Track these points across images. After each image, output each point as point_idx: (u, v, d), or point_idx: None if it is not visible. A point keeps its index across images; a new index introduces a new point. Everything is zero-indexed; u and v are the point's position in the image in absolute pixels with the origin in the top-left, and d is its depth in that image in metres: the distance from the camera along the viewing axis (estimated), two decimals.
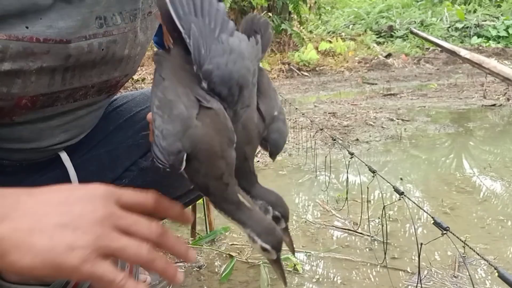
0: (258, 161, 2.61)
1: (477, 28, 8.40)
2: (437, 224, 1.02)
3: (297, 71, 7.16)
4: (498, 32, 8.23)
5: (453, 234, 0.99)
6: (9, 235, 0.53)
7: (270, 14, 7.02)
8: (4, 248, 0.52)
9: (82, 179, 0.97)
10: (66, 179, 0.95)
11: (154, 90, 0.65)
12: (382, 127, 3.46)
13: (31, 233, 0.54)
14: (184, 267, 1.43)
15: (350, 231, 1.69)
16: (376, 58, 7.41)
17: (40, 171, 0.96)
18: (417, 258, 1.25)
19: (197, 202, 1.62)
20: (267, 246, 0.63)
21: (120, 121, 1.04)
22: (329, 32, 8.70)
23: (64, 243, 0.54)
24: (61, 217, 0.56)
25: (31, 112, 0.82)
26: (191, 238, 1.62)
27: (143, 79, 5.88)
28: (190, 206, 1.61)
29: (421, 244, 1.05)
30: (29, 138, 0.87)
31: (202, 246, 1.55)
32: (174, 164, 0.60)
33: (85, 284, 1.11)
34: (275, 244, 0.64)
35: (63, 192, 0.60)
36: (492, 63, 3.11)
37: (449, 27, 8.57)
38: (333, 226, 1.75)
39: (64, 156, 0.95)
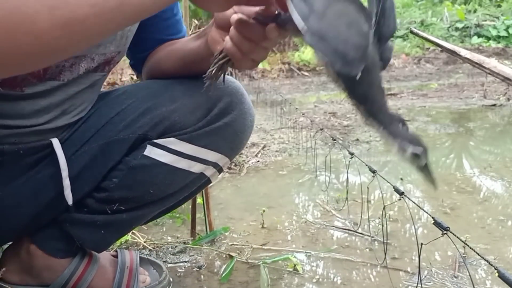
0: (258, 161, 2.61)
1: (477, 28, 8.40)
2: (437, 224, 1.01)
3: (297, 71, 7.16)
4: (498, 32, 8.23)
5: (454, 234, 0.99)
6: None
7: None
8: None
9: (74, 174, 0.99)
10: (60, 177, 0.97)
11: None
12: None
13: None
14: (184, 267, 1.43)
15: (350, 231, 1.69)
16: None
17: (33, 167, 0.99)
18: (417, 258, 1.25)
19: (197, 202, 1.62)
20: (419, 151, 0.66)
21: (112, 115, 1.04)
22: None
23: None
24: None
25: (39, 83, 0.90)
26: (191, 238, 1.61)
27: None
28: (190, 207, 1.61)
29: (422, 244, 1.05)
30: (29, 114, 0.93)
31: (202, 246, 1.55)
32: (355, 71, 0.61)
33: (84, 284, 1.11)
34: (425, 148, 0.67)
35: None
36: (492, 63, 3.10)
37: (449, 27, 8.57)
38: (333, 226, 1.75)
39: (55, 142, 0.98)
